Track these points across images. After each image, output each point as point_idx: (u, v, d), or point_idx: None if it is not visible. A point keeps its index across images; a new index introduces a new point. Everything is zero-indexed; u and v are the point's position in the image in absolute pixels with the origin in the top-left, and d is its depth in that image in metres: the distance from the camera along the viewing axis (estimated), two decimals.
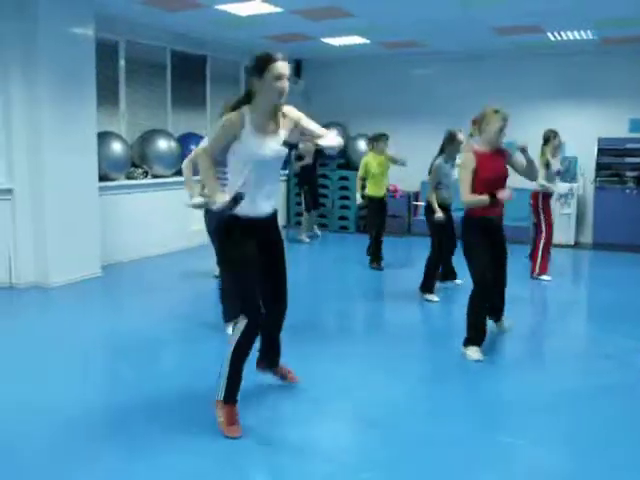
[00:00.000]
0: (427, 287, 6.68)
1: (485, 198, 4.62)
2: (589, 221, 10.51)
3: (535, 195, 7.67)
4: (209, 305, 6.04)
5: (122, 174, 8.46)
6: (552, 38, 9.16)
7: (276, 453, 3.39)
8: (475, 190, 4.68)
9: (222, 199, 3.35)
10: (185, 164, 5.38)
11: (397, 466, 3.25)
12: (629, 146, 10.04)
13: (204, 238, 5.78)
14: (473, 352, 4.82)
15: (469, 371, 4.65)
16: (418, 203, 11.36)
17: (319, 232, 10.99)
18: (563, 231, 10.15)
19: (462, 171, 4.75)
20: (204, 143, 5.33)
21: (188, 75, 10.10)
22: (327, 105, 11.89)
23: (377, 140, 8.15)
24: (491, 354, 5.01)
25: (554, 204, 9.08)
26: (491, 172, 4.71)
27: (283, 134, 3.56)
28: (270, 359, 4.05)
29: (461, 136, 6.54)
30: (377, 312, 6.62)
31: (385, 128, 11.43)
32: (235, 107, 3.49)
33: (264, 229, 3.59)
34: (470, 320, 4.88)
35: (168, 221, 8.92)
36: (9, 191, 6.92)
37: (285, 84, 3.40)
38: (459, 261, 5.59)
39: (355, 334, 5.87)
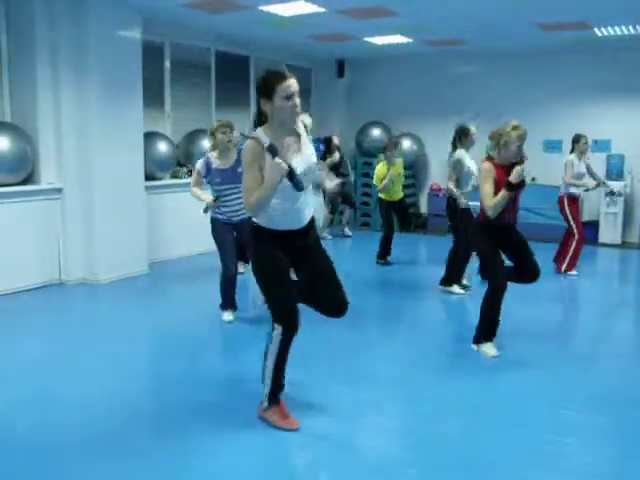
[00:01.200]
0: (450, 279, 6.85)
1: (504, 193, 4.54)
2: (637, 220, 10.31)
3: (561, 199, 7.78)
4: (252, 301, 6.15)
5: (168, 173, 8.60)
6: (599, 34, 9.01)
7: (326, 447, 3.43)
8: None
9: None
10: (193, 191, 5.69)
11: (442, 461, 3.27)
12: None
13: None
14: (489, 348, 4.91)
15: (497, 367, 4.63)
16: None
17: (349, 231, 10.90)
18: (609, 230, 10.00)
19: (483, 179, 4.69)
20: (199, 165, 5.58)
21: (232, 75, 10.21)
22: (369, 104, 11.90)
23: (386, 149, 8.34)
24: (536, 349, 4.99)
25: (600, 202, 8.97)
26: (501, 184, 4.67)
27: (308, 149, 3.48)
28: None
29: (473, 129, 6.68)
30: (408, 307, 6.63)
31: (427, 127, 11.48)
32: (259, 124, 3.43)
33: (294, 240, 3.50)
34: (484, 319, 4.91)
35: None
36: (59, 190, 7.10)
37: (297, 102, 3.30)
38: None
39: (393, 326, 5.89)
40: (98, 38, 6.96)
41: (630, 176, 10.20)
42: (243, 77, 10.48)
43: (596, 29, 8.72)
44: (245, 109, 10.53)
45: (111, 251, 7.27)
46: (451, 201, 6.76)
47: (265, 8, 7.66)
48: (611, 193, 9.50)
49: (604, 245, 9.98)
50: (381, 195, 8.39)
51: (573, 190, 7.69)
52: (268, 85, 3.29)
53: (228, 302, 5.77)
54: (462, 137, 6.67)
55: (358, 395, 4.13)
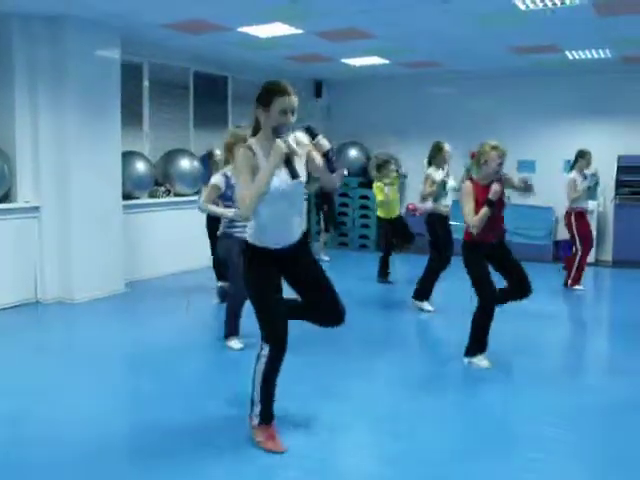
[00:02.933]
0: (422, 294, 6.90)
1: (485, 210, 4.71)
2: (609, 239, 10.48)
3: (568, 214, 7.99)
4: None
5: (145, 193, 8.62)
6: (570, 57, 9.21)
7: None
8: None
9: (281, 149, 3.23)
10: (205, 206, 5.45)
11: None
12: None
13: None
14: (481, 360, 5.02)
15: (483, 381, 4.68)
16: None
17: (327, 257, 10.53)
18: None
19: (464, 198, 4.85)
20: (217, 180, 5.36)
21: (210, 95, 10.28)
22: (347, 125, 12.01)
23: (382, 167, 8.46)
24: (505, 367, 5.06)
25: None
26: (487, 201, 4.80)
27: (299, 162, 3.41)
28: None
29: (447, 147, 6.83)
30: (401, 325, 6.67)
31: (404, 148, 11.60)
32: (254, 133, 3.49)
33: (286, 258, 3.50)
34: (475, 334, 5.00)
35: (190, 239, 9.02)
36: (36, 209, 7.09)
37: (290, 119, 3.32)
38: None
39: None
40: (76, 58, 7.00)
41: (603, 196, 10.37)
42: (221, 97, 10.55)
43: (567, 52, 8.92)
44: (223, 129, 10.56)
45: (88, 270, 7.25)
46: (430, 217, 6.88)
47: (243, 29, 7.74)
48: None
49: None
50: (379, 214, 8.47)
51: (582, 204, 7.87)
52: (269, 95, 3.33)
53: (235, 328, 5.51)
54: (435, 155, 6.83)
55: (337, 414, 4.15)
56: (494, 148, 4.84)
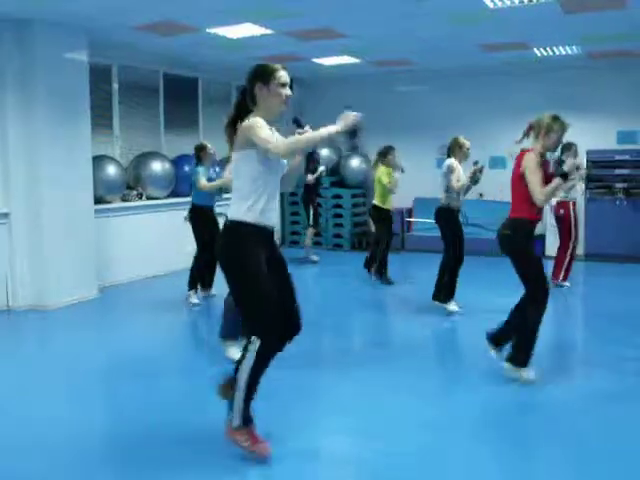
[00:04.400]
0: (445, 295, 6.72)
1: (558, 181, 4.37)
2: (581, 233, 10.58)
3: (566, 205, 7.94)
4: (204, 326, 6.07)
5: (117, 196, 8.53)
6: (538, 54, 9.31)
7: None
8: (528, 194, 4.47)
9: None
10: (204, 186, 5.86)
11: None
12: (618, 158, 10.17)
13: None
14: (529, 373, 4.61)
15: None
16: (411, 219, 11.47)
17: (315, 257, 10.38)
18: (555, 243, 10.23)
19: (533, 172, 4.44)
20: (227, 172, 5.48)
21: (181, 97, 10.21)
22: (318, 124, 11.84)
23: (388, 153, 8.34)
24: (485, 359, 5.08)
25: (546, 217, 9.21)
26: (544, 177, 4.52)
27: None
28: None
29: (467, 142, 6.72)
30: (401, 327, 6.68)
31: (376, 146, 11.59)
32: (238, 116, 3.44)
33: (270, 243, 3.44)
34: (527, 337, 4.56)
35: (163, 242, 8.98)
36: (6, 215, 6.98)
37: (289, 92, 3.42)
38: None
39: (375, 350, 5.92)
40: (44, 61, 6.91)
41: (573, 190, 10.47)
42: (192, 99, 10.48)
43: (535, 49, 9.02)
44: (194, 131, 10.52)
45: (60, 276, 7.15)
46: (444, 213, 6.71)
47: (212, 30, 7.70)
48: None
49: (550, 258, 10.20)
50: (378, 203, 8.28)
51: (573, 194, 7.97)
52: (267, 70, 3.42)
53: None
54: (455, 150, 6.71)
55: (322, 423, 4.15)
56: (555, 119, 4.60)
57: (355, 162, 11.67)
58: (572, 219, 7.95)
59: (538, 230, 9.15)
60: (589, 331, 6.46)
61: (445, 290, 6.72)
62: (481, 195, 10.81)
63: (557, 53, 9.26)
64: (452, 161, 6.64)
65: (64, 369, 5.16)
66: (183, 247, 8.88)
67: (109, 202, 8.35)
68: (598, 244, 10.19)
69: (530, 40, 8.47)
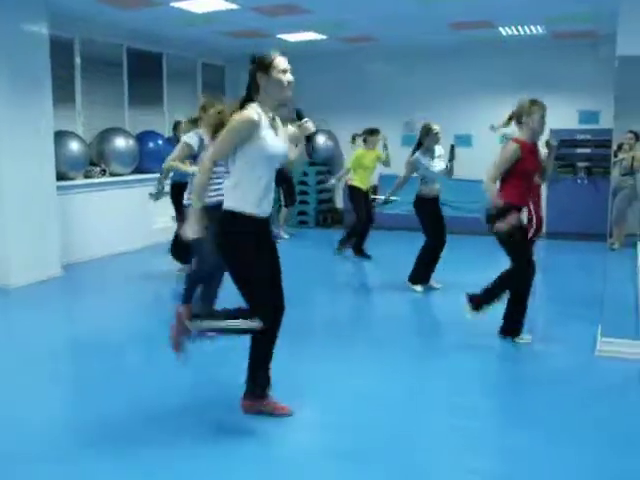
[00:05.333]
0: (417, 277, 6.77)
1: (515, 216, 4.75)
2: (543, 211, 10.74)
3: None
4: (171, 304, 6.01)
5: (80, 173, 8.42)
6: (504, 33, 9.37)
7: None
8: (513, 180, 4.78)
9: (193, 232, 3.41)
10: (169, 164, 5.38)
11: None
12: (580, 137, 10.33)
13: (166, 235, 5.76)
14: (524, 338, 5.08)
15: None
16: (376, 197, 11.50)
17: (285, 235, 10.44)
18: None
19: (501, 156, 4.77)
20: (190, 139, 5.17)
21: (145, 73, 10.06)
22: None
23: (371, 134, 8.28)
24: (446, 340, 5.17)
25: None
26: (532, 164, 4.82)
27: (285, 132, 3.64)
28: (262, 387, 3.74)
29: (436, 127, 6.65)
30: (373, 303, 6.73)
31: (344, 123, 11.62)
32: (240, 106, 3.43)
33: (265, 231, 3.56)
34: (496, 293, 4.98)
35: (128, 219, 8.90)
36: None
37: (291, 78, 3.44)
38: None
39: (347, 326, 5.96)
40: (1, 34, 6.71)
41: None
42: (156, 74, 10.33)
43: (500, 28, 9.07)
44: (159, 107, 10.39)
45: (23, 254, 7.04)
46: (421, 201, 6.71)
47: (177, 5, 7.60)
48: None
49: None
50: (355, 183, 8.31)
51: None
52: (266, 59, 3.40)
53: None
54: (423, 137, 6.64)
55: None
56: (534, 102, 4.82)
57: (321, 139, 11.64)
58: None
59: None
60: (545, 308, 6.60)
61: (418, 273, 6.77)
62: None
63: (522, 33, 9.34)
64: (415, 157, 6.62)
65: (21, 348, 5.06)
66: (150, 223, 8.89)
67: (72, 179, 8.23)
68: (559, 222, 10.36)
69: (496, 19, 8.52)
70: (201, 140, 5.12)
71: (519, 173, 4.78)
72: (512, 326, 5.06)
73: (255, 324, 3.40)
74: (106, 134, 8.90)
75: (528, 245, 5.00)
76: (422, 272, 6.77)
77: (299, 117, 3.63)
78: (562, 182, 10.42)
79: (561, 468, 3.18)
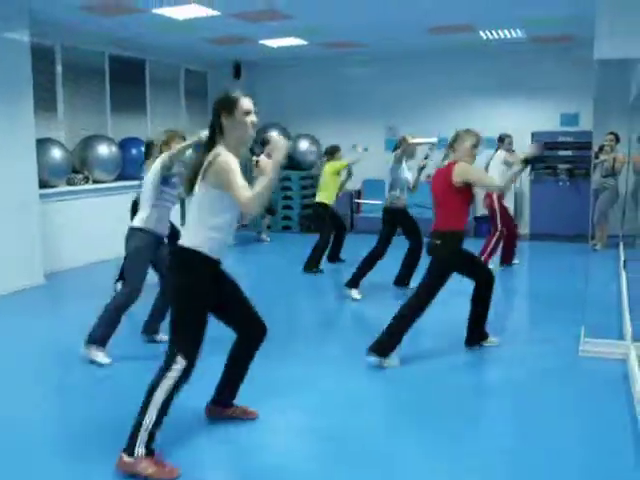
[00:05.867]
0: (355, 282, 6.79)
1: (519, 169, 4.78)
2: (526, 213, 10.85)
3: (489, 196, 7.88)
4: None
5: (63, 180, 8.38)
6: (484, 37, 9.44)
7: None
8: (464, 202, 4.74)
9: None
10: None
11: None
12: (561, 139, 10.42)
13: None
14: (492, 338, 5.09)
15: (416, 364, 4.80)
16: (360, 201, 11.54)
17: (267, 237, 10.70)
18: None
19: (472, 172, 4.70)
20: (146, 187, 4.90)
21: (127, 79, 10.04)
22: (268, 106, 11.89)
23: (334, 152, 8.24)
24: (433, 341, 5.19)
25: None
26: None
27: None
28: (227, 396, 3.78)
29: (409, 138, 6.69)
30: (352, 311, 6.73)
31: (325, 128, 11.66)
32: (208, 146, 3.36)
33: (219, 272, 3.48)
34: (401, 328, 4.69)
35: (111, 226, 8.81)
36: None
37: (254, 118, 3.41)
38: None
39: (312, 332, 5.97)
40: None
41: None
42: (139, 81, 10.32)
43: (481, 32, 9.14)
44: (141, 114, 10.37)
45: (3, 263, 6.97)
46: (390, 212, 6.76)
47: (158, 11, 7.59)
48: None
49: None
50: (320, 200, 8.17)
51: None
52: (231, 100, 3.38)
53: (108, 337, 4.85)
54: (400, 147, 6.69)
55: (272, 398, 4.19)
56: (467, 131, 4.85)
57: (304, 144, 11.67)
58: (497, 210, 7.95)
59: (485, 211, 9.33)
60: (529, 309, 6.65)
61: (354, 277, 6.75)
62: (429, 177, 10.93)
63: (502, 36, 9.41)
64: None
65: (2, 357, 5.04)
66: None
67: (54, 186, 8.19)
68: (542, 224, 10.45)
69: (476, 23, 8.58)
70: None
71: (467, 198, 4.77)
72: (478, 333, 5.03)
73: (178, 368, 3.22)
74: (89, 141, 8.88)
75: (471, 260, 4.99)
76: (405, 275, 6.88)
77: (264, 144, 3.59)
78: (544, 184, 10.52)
79: (546, 468, 3.21)
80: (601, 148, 9.11)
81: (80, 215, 8.46)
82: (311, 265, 8.07)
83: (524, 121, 10.61)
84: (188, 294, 3.31)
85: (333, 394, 4.20)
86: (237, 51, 10.70)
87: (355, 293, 6.73)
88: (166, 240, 5.05)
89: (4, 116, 6.96)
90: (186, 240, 3.32)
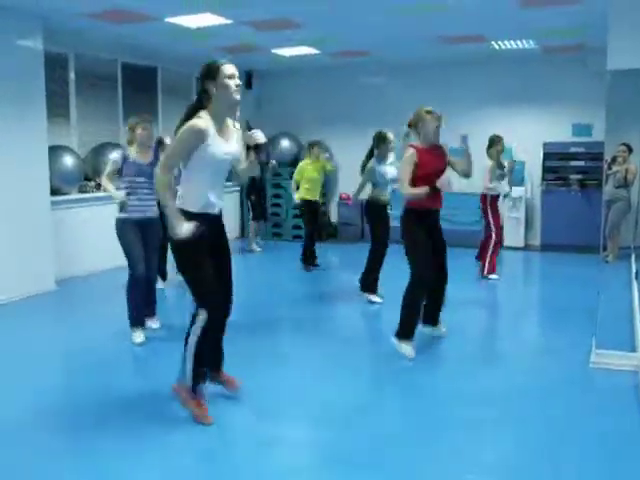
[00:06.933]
0: (369, 285, 6.84)
1: (424, 189, 4.86)
2: (537, 224, 10.80)
3: (483, 197, 8.03)
4: (163, 318, 5.99)
5: (75, 188, 8.42)
6: (496, 47, 9.43)
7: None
8: (415, 184, 4.90)
9: (186, 229, 3.49)
10: (105, 184, 5.56)
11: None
12: (573, 150, 10.38)
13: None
14: (407, 349, 4.97)
15: (416, 370, 4.78)
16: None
17: (259, 247, 10.60)
18: (512, 234, 10.42)
19: (403, 166, 4.96)
20: (116, 156, 5.49)
21: (139, 87, 10.09)
22: (278, 115, 11.98)
23: (313, 146, 8.71)
24: (440, 351, 5.17)
25: (503, 207, 9.35)
26: (430, 167, 4.97)
27: (236, 136, 3.78)
28: (214, 362, 4.04)
29: (391, 135, 6.79)
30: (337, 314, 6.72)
31: (335, 136, 11.66)
32: (190, 114, 3.61)
33: (215, 228, 3.75)
34: (406, 314, 4.99)
35: None
36: None
37: (238, 82, 3.59)
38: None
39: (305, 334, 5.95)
40: None
41: (530, 182, 10.68)
42: (151, 88, 10.36)
43: (493, 42, 9.13)
44: (154, 121, 10.38)
45: (15, 269, 7.02)
46: (369, 206, 6.85)
47: (171, 20, 7.63)
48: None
49: (508, 248, 10.39)
50: (305, 195, 8.54)
51: (498, 189, 8.10)
52: (213, 67, 3.61)
53: (138, 317, 5.49)
54: (379, 144, 6.77)
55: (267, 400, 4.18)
56: (428, 112, 5.09)
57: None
58: (489, 213, 8.00)
59: None
60: (538, 320, 6.61)
61: (368, 281, 6.86)
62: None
63: (514, 47, 9.40)
64: (371, 166, 6.74)
65: (13, 362, 5.06)
66: None
67: (66, 193, 8.23)
68: (553, 235, 10.38)
69: (487, 33, 8.57)
70: (124, 156, 5.46)
71: (420, 178, 4.91)
72: (407, 328, 5.03)
73: (202, 318, 3.62)
74: (101, 149, 8.91)
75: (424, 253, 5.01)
76: (371, 279, 6.87)
77: (249, 128, 3.79)
78: (555, 194, 10.47)
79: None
80: (614, 159, 9.05)
81: (92, 222, 8.48)
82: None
83: (536, 131, 10.58)
84: (181, 250, 3.60)
85: (336, 403, 4.18)
86: (249, 59, 10.73)
87: (375, 297, 6.79)
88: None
89: (17, 123, 7.01)
90: (178, 201, 3.65)
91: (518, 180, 10.57)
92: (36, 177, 7.32)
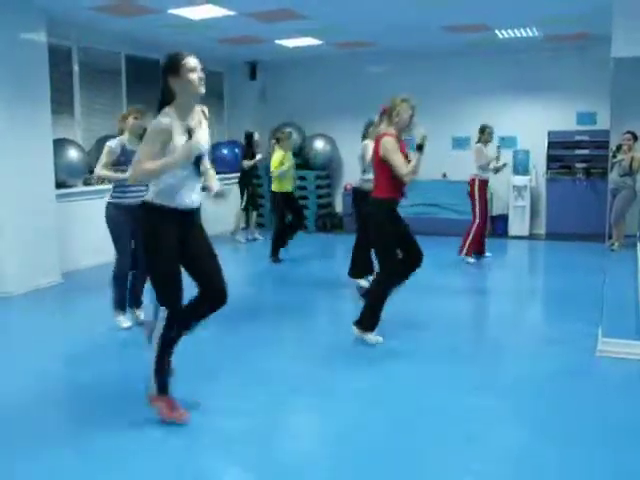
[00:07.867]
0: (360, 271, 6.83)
1: (419, 155, 4.83)
2: (542, 212, 10.79)
3: (472, 181, 8.21)
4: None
5: (79, 181, 8.43)
6: (500, 36, 9.39)
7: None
8: (389, 172, 4.86)
9: (188, 144, 3.46)
10: (104, 173, 5.56)
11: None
12: (577, 138, 10.35)
13: None
14: (374, 338, 5.02)
15: (413, 356, 4.79)
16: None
17: (260, 236, 10.66)
18: (518, 223, 10.43)
19: (393, 153, 4.84)
20: (113, 144, 5.50)
21: (143, 79, 10.08)
22: (282, 106, 11.97)
23: (284, 138, 8.58)
24: (444, 340, 5.18)
25: (509, 197, 9.36)
26: (403, 154, 4.94)
27: (205, 128, 3.72)
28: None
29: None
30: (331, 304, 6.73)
31: (339, 127, 11.64)
32: (159, 110, 3.58)
33: (188, 222, 3.61)
34: (372, 307, 4.98)
35: None
36: None
37: (201, 74, 3.54)
38: None
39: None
40: (0, 41, 6.75)
41: (535, 171, 10.66)
42: (154, 81, 10.30)
43: (497, 31, 9.10)
44: (157, 113, 10.37)
45: (21, 262, 7.04)
46: (355, 194, 6.90)
47: (174, 12, 7.63)
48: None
49: (514, 237, 10.40)
50: (274, 188, 8.51)
51: (487, 174, 8.21)
52: (174, 62, 3.55)
53: (121, 301, 5.59)
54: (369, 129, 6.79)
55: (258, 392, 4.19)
56: (404, 100, 5.00)
57: (320, 144, 11.68)
58: (476, 197, 8.07)
59: (501, 210, 9.40)
60: (544, 308, 6.61)
61: (359, 267, 6.83)
62: (444, 175, 10.93)
63: (518, 35, 9.37)
64: (365, 143, 6.75)
65: (18, 350, 5.12)
66: None
67: (71, 186, 8.25)
68: (558, 223, 10.38)
69: (491, 22, 8.54)
70: (122, 145, 5.48)
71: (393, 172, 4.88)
72: (370, 321, 5.02)
73: (162, 317, 3.55)
74: (105, 141, 8.86)
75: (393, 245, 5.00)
76: (361, 265, 6.82)
77: (189, 135, 3.53)
78: (561, 183, 10.45)
79: (563, 469, 3.19)
80: (619, 147, 9.03)
81: (97, 215, 8.47)
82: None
83: (540, 120, 10.56)
84: (148, 245, 3.55)
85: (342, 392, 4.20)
86: (253, 51, 10.72)
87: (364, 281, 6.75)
88: None
89: (22, 116, 7.02)
90: (147, 196, 3.59)
91: (522, 169, 10.57)
92: (41, 170, 7.33)
